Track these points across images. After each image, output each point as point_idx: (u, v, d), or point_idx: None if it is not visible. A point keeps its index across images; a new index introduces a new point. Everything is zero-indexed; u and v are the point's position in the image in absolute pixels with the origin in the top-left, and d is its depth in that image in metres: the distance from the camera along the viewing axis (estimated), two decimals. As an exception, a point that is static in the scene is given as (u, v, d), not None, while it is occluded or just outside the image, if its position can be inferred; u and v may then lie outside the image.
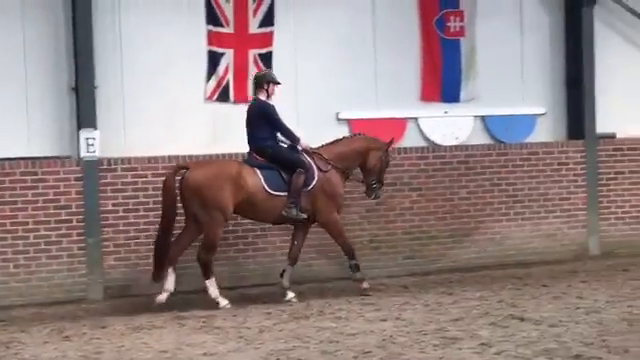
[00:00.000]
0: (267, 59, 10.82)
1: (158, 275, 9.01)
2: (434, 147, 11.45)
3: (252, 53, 10.79)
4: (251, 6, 10.76)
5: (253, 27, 10.80)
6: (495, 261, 11.28)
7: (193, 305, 8.97)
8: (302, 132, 9.74)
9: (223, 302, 9.00)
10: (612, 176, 11.93)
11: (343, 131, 10.95)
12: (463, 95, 11.93)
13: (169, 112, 10.38)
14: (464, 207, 11.34)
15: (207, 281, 9.03)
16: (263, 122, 9.24)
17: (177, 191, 9.08)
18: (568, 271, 10.68)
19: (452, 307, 8.55)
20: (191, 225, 9.07)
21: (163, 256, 8.96)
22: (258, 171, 9.12)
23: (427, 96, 11.82)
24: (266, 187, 9.07)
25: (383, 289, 9.82)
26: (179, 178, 9.11)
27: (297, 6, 11.05)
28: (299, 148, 9.37)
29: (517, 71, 11.93)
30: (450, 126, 11.87)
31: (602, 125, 11.99)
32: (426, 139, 11.74)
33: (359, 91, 11.37)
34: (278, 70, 10.28)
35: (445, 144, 11.63)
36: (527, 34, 12.10)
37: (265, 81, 9.35)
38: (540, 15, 12.16)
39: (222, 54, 10.67)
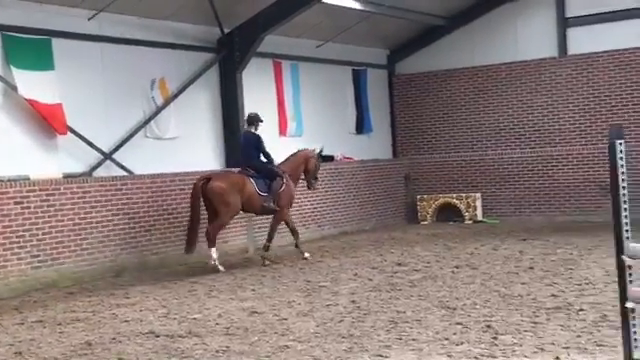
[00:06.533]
0: None
1: (189, 250, 13.28)
2: None
3: None
4: None
5: None
6: None
7: None
8: None
9: (221, 268, 13.09)
10: None
11: None
12: None
13: None
14: None
15: (211, 249, 13.18)
16: (255, 148, 13.83)
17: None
18: None
19: None
20: (212, 215, 13.35)
21: (192, 238, 13.17)
22: (252, 179, 13.60)
23: None
24: (258, 190, 13.60)
25: None
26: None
27: None
28: (274, 164, 13.99)
29: None
30: None
31: None
32: None
33: None
34: None
35: None
36: None
37: (257, 120, 13.92)
38: None
39: None
